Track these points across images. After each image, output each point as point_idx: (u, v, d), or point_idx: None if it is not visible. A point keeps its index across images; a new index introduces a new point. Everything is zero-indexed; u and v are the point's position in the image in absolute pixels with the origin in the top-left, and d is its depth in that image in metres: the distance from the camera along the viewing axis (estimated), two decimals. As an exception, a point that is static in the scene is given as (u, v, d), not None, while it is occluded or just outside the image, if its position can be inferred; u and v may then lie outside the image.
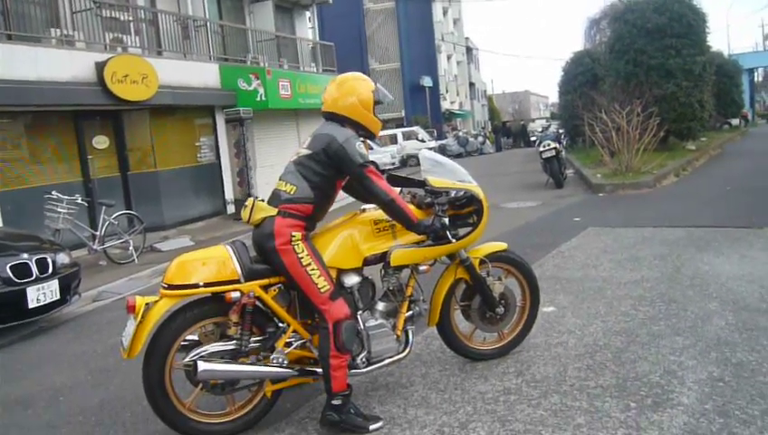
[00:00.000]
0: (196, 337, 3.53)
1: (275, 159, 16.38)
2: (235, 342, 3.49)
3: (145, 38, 13.92)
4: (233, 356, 3.49)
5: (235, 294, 3.42)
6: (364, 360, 3.69)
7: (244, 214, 3.63)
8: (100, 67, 11.31)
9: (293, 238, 3.47)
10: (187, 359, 3.45)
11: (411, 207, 3.77)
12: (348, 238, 3.71)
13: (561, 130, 20.77)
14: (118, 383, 4.81)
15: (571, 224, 9.37)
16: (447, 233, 3.75)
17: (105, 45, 12.59)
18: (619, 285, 5.95)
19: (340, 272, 3.66)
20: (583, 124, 17.50)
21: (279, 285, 3.58)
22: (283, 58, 18.30)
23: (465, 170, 4.17)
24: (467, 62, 57.48)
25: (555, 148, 14.21)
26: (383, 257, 3.75)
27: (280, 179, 3.70)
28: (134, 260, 10.19)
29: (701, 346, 4.28)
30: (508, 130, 41.56)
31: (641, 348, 4.34)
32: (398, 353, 3.83)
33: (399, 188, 4.03)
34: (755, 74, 57.95)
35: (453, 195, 3.86)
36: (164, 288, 3.46)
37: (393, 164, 24.09)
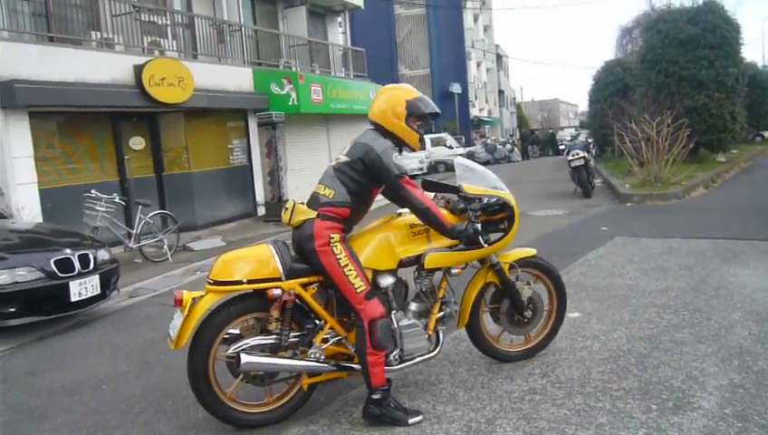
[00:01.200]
0: (237, 331, 3.73)
1: (306, 163, 16.63)
2: (275, 336, 3.69)
3: (182, 42, 14.22)
4: (273, 350, 3.69)
5: (277, 292, 3.60)
6: (397, 357, 3.85)
7: (285, 216, 3.79)
8: (138, 70, 11.60)
9: (332, 240, 3.63)
10: (229, 351, 3.65)
11: (444, 211, 3.93)
12: (384, 241, 3.88)
13: (589, 140, 20.76)
14: (159, 375, 5.03)
15: (599, 233, 9.45)
16: (480, 238, 3.87)
17: (143, 49, 12.88)
18: (643, 293, 6.05)
19: (376, 273, 3.82)
20: (612, 134, 17.51)
21: (317, 284, 3.75)
22: (314, 63, 18.53)
23: (498, 177, 4.31)
24: (497, 70, 57.42)
25: (584, 157, 14.26)
26: (417, 260, 3.91)
27: (319, 183, 3.87)
28: (168, 258, 10.44)
29: (723, 354, 4.39)
30: (536, 139, 41.50)
31: (664, 354, 4.46)
32: (429, 352, 4.00)
33: (434, 193, 4.20)
34: (790, 86, 57.06)
35: (486, 201, 4.01)
36: (209, 284, 3.67)
37: (421, 170, 24.17)
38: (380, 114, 3.88)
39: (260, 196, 15.05)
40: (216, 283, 3.65)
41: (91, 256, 7.03)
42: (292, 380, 3.89)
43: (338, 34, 22.02)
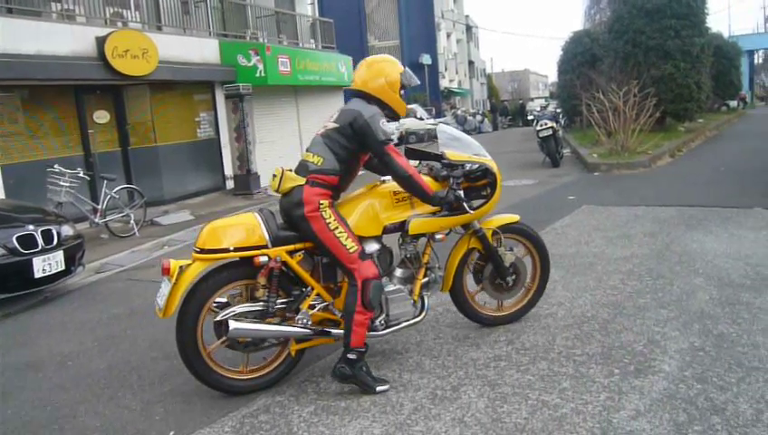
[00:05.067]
0: (225, 299, 3.80)
1: (275, 136, 16.50)
2: (262, 303, 3.75)
3: (145, 13, 13.94)
4: (260, 316, 3.75)
5: (263, 259, 3.66)
6: (383, 322, 3.94)
7: (273, 183, 3.82)
8: (100, 42, 11.35)
9: (321, 205, 3.69)
10: (218, 318, 3.70)
11: (427, 179, 4.04)
12: (369, 208, 3.94)
13: (558, 110, 20.86)
14: (124, 349, 4.99)
15: (566, 202, 9.54)
16: (464, 204, 3.95)
17: (105, 20, 12.61)
18: (609, 260, 6.13)
19: (361, 239, 3.85)
20: (581, 104, 17.61)
21: (303, 251, 3.81)
22: (282, 34, 18.29)
23: (480, 145, 4.36)
24: (467, 41, 57.24)
25: (552, 127, 14.33)
26: (402, 226, 3.99)
27: (307, 151, 3.92)
28: (135, 233, 10.33)
29: (684, 318, 4.47)
30: (506, 109, 41.61)
31: (627, 319, 4.53)
32: (415, 317, 4.08)
33: (418, 161, 4.27)
34: (755, 56, 57.83)
35: (468, 168, 4.11)
36: (196, 252, 3.72)
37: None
38: (376, 86, 3.93)
39: (228, 169, 14.89)
40: (203, 251, 3.70)
41: (55, 232, 6.93)
42: (280, 346, 3.93)
43: (306, 5, 21.75)
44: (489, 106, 50.38)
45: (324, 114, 18.65)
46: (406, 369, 4.01)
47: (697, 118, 21.21)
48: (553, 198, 10.20)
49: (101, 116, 12.36)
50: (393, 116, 4.01)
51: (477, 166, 4.15)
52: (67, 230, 7.25)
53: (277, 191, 3.84)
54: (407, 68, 4.09)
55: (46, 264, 6.68)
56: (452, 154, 4.10)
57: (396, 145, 3.88)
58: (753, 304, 4.65)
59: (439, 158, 4.14)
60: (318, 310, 3.87)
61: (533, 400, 3.45)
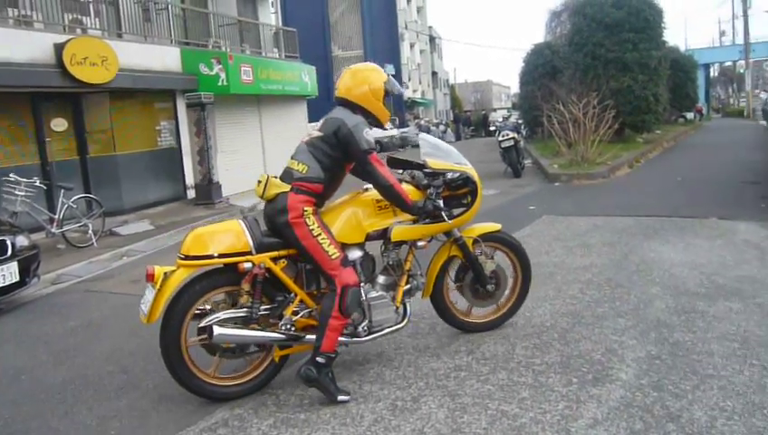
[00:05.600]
0: (209, 307, 3.80)
1: (237, 145, 16.37)
2: (246, 309, 3.76)
3: (105, 20, 13.76)
4: (244, 322, 3.76)
5: (247, 265, 3.68)
6: (365, 328, 3.98)
7: (258, 189, 3.87)
8: (58, 49, 11.15)
9: (305, 212, 3.73)
10: (202, 324, 3.71)
11: (410, 187, 4.13)
12: (352, 215, 3.99)
13: (520, 121, 21.09)
14: (80, 363, 4.89)
15: (527, 212, 9.63)
16: (443, 213, 4.02)
17: (64, 27, 12.39)
18: (568, 270, 6.19)
19: (345, 246, 3.89)
20: (542, 115, 17.83)
21: (287, 258, 3.84)
22: (245, 43, 18.19)
23: (460, 154, 4.44)
24: (430, 51, 57.57)
25: (514, 138, 14.49)
26: (384, 233, 4.04)
27: (292, 158, 3.95)
28: (93, 244, 10.15)
29: (641, 327, 4.54)
30: (469, 120, 41.95)
31: (585, 328, 4.58)
32: (397, 324, 4.13)
33: (402, 170, 4.33)
34: (711, 70, 59.23)
35: (449, 176, 4.16)
36: (180, 259, 3.70)
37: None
38: (359, 94, 3.98)
39: (189, 178, 14.72)
40: (188, 257, 3.69)
41: (9, 243, 6.78)
42: (264, 352, 3.94)
43: (269, 14, 21.68)
44: (452, 116, 50.73)
45: (288, 124, 18.69)
46: (366, 380, 4.00)
47: (655, 129, 21.63)
48: (515, 208, 10.29)
49: (59, 124, 12.13)
50: (377, 124, 4.09)
51: (458, 174, 4.22)
52: (22, 241, 7.10)
53: (262, 198, 3.88)
54: (390, 76, 4.16)
55: (0, 275, 6.53)
56: (434, 162, 4.17)
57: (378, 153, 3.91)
58: (707, 313, 4.74)
59: (421, 167, 4.20)
60: (301, 316, 3.89)
61: (493, 410, 3.46)
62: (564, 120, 15.09)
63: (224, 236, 3.75)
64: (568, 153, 15.06)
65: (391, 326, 4.08)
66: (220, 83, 14.78)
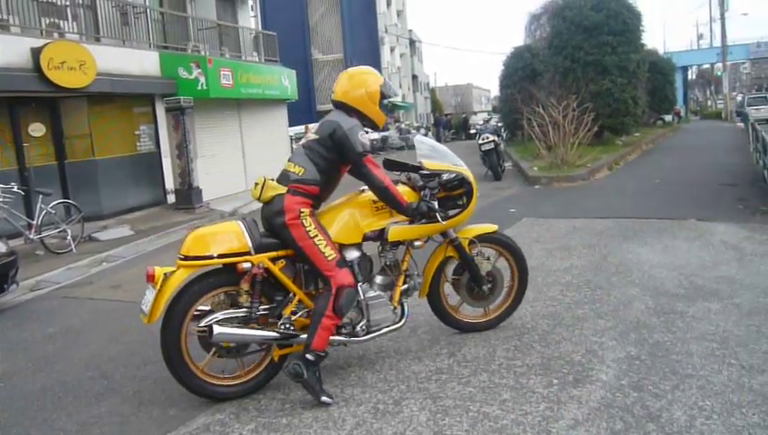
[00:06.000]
0: (208, 307, 3.84)
1: (217, 149, 16.29)
2: (245, 309, 3.81)
3: (83, 24, 13.64)
4: (243, 322, 3.81)
5: (246, 265, 3.73)
6: (363, 328, 4.03)
7: (255, 192, 3.93)
8: (36, 53, 11.04)
9: (302, 214, 3.79)
10: (201, 324, 3.75)
11: (406, 188, 4.18)
12: (348, 216, 4.05)
13: (500, 124, 21.18)
14: (60, 369, 4.84)
15: (507, 215, 9.66)
16: (438, 215, 4.08)
17: (41, 31, 12.29)
18: (549, 272, 6.23)
19: (342, 247, 3.95)
20: (522, 118, 17.92)
21: (285, 258, 3.89)
22: (224, 47, 18.12)
23: (456, 155, 4.49)
24: (411, 55, 57.62)
25: (494, 141, 14.54)
26: (381, 234, 4.07)
27: (289, 161, 4.01)
28: (72, 250, 10.05)
29: (621, 328, 4.58)
30: (449, 123, 42.05)
31: (566, 330, 4.61)
32: (395, 323, 4.17)
33: (400, 172, 4.38)
34: (689, 72, 59.86)
35: (445, 178, 4.20)
36: (180, 259, 3.75)
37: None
38: (356, 97, 4.05)
39: (169, 183, 14.62)
40: (187, 258, 3.73)
41: (-14, 249, 6.70)
42: (263, 352, 3.98)
43: (248, 18, 21.64)
44: (433, 120, 50.83)
45: (268, 128, 18.66)
46: (348, 383, 4.00)
47: (634, 132, 21.82)
48: (495, 211, 10.32)
49: (37, 129, 12.00)
50: (373, 127, 4.17)
51: (454, 175, 4.26)
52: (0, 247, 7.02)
53: (258, 200, 3.93)
54: (387, 79, 4.23)
55: (-23, 282, 6.46)
56: (430, 164, 4.25)
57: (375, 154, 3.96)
58: (686, 313, 4.79)
59: (416, 169, 4.26)
60: (300, 316, 3.93)
61: (474, 412, 3.47)
62: (544, 123, 15.18)
63: (223, 237, 3.79)
64: (548, 156, 15.15)
65: (389, 326, 4.12)
66: (199, 87, 14.71)
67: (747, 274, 5.77)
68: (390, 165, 4.39)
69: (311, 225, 3.77)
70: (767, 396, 3.43)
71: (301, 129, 22.83)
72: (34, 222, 9.90)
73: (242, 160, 17.43)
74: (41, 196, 10.05)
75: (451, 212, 4.29)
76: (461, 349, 4.40)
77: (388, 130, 36.76)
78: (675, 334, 4.40)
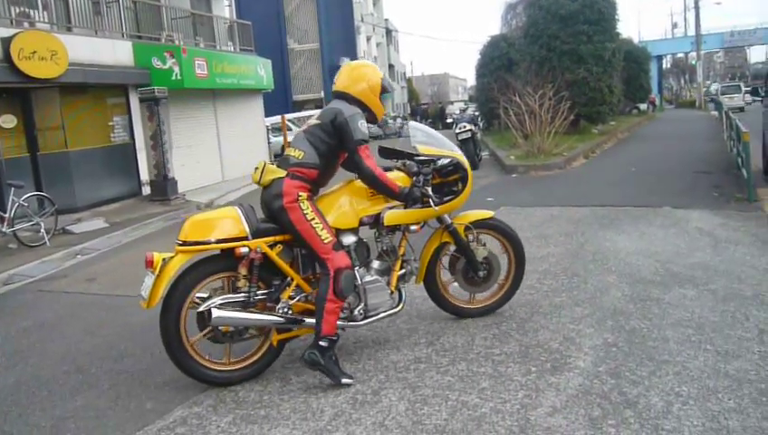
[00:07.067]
0: (206, 294, 3.88)
1: (193, 140, 16.15)
2: (243, 294, 3.84)
3: (54, 13, 13.42)
4: (242, 306, 3.84)
5: (244, 250, 3.77)
6: (361, 312, 4.07)
7: (255, 176, 3.98)
8: (6, 43, 10.85)
9: (300, 197, 3.84)
10: (200, 308, 3.79)
11: (400, 174, 4.24)
12: (345, 201, 4.10)
13: (477, 113, 21.21)
14: (34, 363, 4.77)
15: (485, 204, 9.66)
16: (431, 200, 4.13)
17: (11, 20, 12.06)
18: (526, 260, 6.22)
19: (339, 232, 3.99)
20: (499, 107, 17.96)
21: (283, 243, 3.93)
22: (198, 36, 17.95)
23: (450, 142, 4.53)
24: (387, 44, 57.57)
25: (471, 130, 14.55)
26: (377, 219, 4.13)
27: (290, 146, 4.07)
28: (45, 243, 9.92)
29: (598, 315, 4.60)
30: (426, 113, 42.06)
31: (543, 318, 4.63)
32: (393, 308, 4.20)
33: (396, 160, 4.41)
34: (664, 61, 60.38)
35: (439, 163, 4.28)
36: (179, 245, 3.79)
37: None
38: (356, 88, 4.12)
39: (144, 175, 14.46)
40: (186, 243, 3.78)
41: (-43, 242, 6.59)
42: (262, 337, 4.01)
43: (223, 7, 21.46)
44: (409, 109, 50.80)
45: (244, 118, 18.53)
46: (326, 374, 3.98)
47: (610, 120, 21.98)
48: (472, 199, 10.17)
49: (8, 120, 11.81)
50: (372, 120, 4.21)
51: (449, 161, 4.32)
52: (-30, 240, 6.90)
53: (258, 184, 3.97)
54: (385, 74, 4.28)
55: (-53, 276, 6.35)
56: (425, 149, 4.29)
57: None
58: (662, 300, 4.83)
59: (411, 156, 4.29)
60: (298, 300, 3.96)
61: (453, 400, 3.47)
62: (521, 112, 15.24)
63: (221, 223, 3.83)
64: (524, 145, 15.21)
65: (387, 310, 4.16)
66: (174, 78, 14.57)
67: (722, 260, 5.83)
68: (386, 153, 4.43)
69: (308, 208, 3.82)
70: (742, 381, 3.46)
71: (277, 119, 22.70)
72: (7, 215, 9.75)
73: (218, 151, 17.31)
74: (13, 188, 9.89)
75: (445, 198, 4.31)
76: (440, 338, 4.40)
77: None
78: (651, 321, 4.43)
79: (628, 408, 3.24)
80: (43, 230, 10.06)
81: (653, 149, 16.47)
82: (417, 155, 4.26)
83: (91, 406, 3.90)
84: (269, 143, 20.70)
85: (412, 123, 4.72)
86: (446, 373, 3.83)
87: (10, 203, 9.83)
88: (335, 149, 4.03)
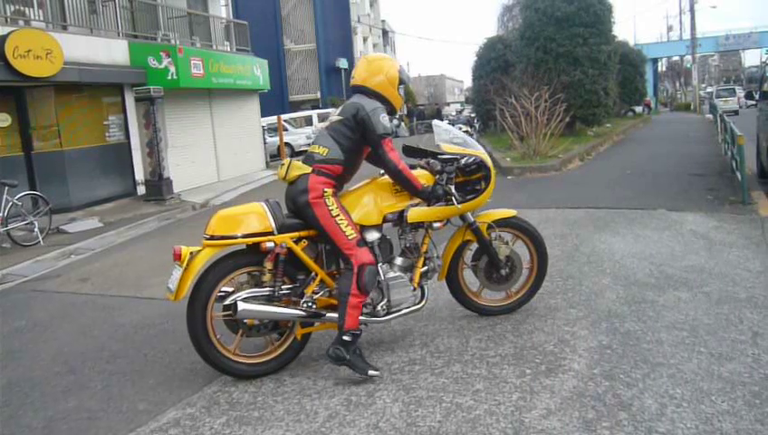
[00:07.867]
0: (231, 289, 3.94)
1: (188, 139, 16.12)
2: (268, 288, 3.91)
3: (49, 12, 13.39)
4: (267, 300, 3.91)
5: (270, 244, 3.85)
6: (384, 307, 4.10)
7: (281, 172, 4.04)
8: (0, 41, 10.83)
9: (325, 193, 3.90)
10: (227, 301, 3.87)
11: (424, 172, 4.27)
12: (369, 198, 4.15)
13: (473, 115, 21.23)
14: (26, 364, 4.75)
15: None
16: (453, 198, 4.16)
17: (6, 18, 12.03)
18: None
19: (363, 228, 4.04)
20: (495, 109, 17.97)
21: (308, 238, 3.99)
22: (195, 36, 17.90)
23: (474, 141, 4.55)
24: (383, 45, 57.53)
25: (467, 131, 14.55)
26: (401, 216, 4.16)
27: (313, 144, 4.13)
28: (39, 242, 9.89)
29: (593, 317, 4.60)
30: (422, 114, 42.07)
31: (538, 320, 4.62)
32: (416, 304, 4.26)
33: (420, 158, 4.43)
34: (659, 64, 60.54)
35: (463, 162, 4.28)
36: (206, 239, 3.87)
37: (308, 145, 23.87)
38: (374, 81, 4.15)
39: (139, 174, 14.44)
40: (213, 238, 3.86)
41: (-50, 241, 6.56)
42: (287, 330, 4.07)
43: (220, 7, 21.38)
44: (406, 110, 50.78)
45: (240, 118, 18.50)
46: (320, 376, 3.97)
47: (605, 123, 22.00)
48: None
49: (2, 119, 11.79)
50: (391, 111, 4.23)
51: (472, 159, 4.32)
52: (-37, 239, 6.87)
53: (284, 180, 4.03)
54: (401, 65, 4.33)
55: (-60, 275, 6.32)
56: (448, 147, 4.30)
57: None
58: (657, 302, 4.83)
59: (434, 155, 4.32)
60: (321, 295, 4.03)
61: (448, 402, 3.46)
62: (516, 114, 15.23)
63: (247, 218, 3.91)
64: (520, 147, 15.21)
65: (409, 307, 4.20)
66: (169, 77, 14.54)
67: (716, 263, 5.83)
68: (410, 151, 4.45)
69: (333, 204, 3.87)
70: (736, 384, 3.46)
71: (273, 119, 22.66)
72: (0, 214, 9.72)
73: (213, 151, 17.28)
74: (6, 187, 9.87)
75: (468, 196, 4.32)
76: (434, 340, 4.39)
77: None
78: (645, 323, 4.42)
79: (623, 410, 3.24)
80: (36, 229, 10.04)
81: (648, 152, 16.49)
82: (441, 153, 4.28)
83: (84, 407, 3.88)
84: (265, 143, 20.67)
85: (435, 122, 4.75)
86: (440, 375, 3.82)
87: (4, 202, 9.80)
88: (358, 144, 4.07)
